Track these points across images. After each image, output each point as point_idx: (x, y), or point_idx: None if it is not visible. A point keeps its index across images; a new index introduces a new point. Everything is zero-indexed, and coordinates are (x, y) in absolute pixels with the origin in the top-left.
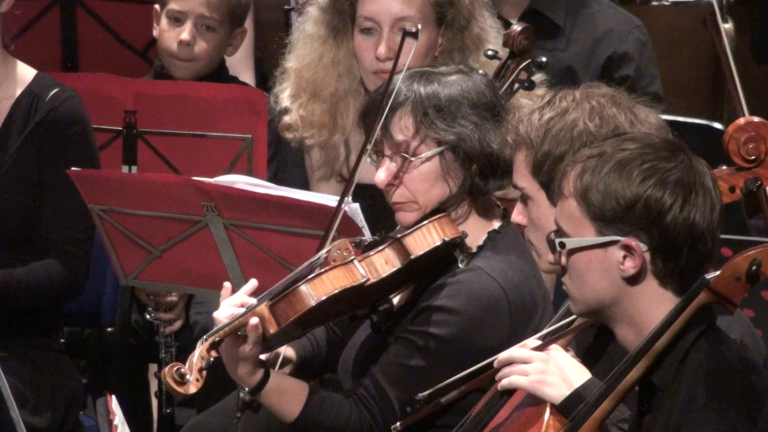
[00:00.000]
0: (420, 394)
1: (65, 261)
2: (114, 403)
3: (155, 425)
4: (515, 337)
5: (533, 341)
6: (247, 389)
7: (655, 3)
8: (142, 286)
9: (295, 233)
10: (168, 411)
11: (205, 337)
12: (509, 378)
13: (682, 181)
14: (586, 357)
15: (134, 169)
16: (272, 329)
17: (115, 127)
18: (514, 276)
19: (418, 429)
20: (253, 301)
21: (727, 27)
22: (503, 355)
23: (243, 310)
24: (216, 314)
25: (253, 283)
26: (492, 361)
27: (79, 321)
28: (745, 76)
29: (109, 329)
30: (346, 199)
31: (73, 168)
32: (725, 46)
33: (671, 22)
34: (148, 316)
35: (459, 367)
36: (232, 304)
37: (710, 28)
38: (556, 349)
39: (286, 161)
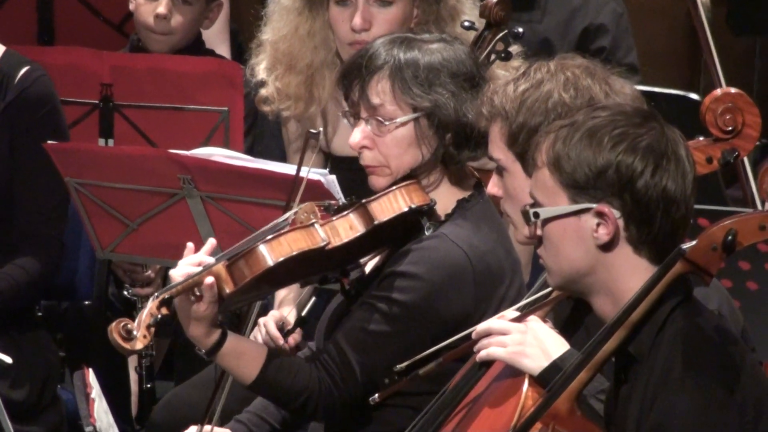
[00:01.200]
0: (398, 366)
1: (40, 247)
2: (91, 376)
3: (134, 398)
4: (480, 304)
5: (511, 312)
6: (203, 351)
7: None
8: (119, 259)
9: (272, 205)
10: (149, 386)
11: (156, 293)
12: (488, 349)
13: (652, 147)
14: (564, 328)
15: (111, 142)
16: (228, 288)
17: (91, 101)
18: (481, 244)
19: (396, 400)
20: (212, 260)
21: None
22: (481, 327)
23: (200, 268)
24: (172, 272)
25: (212, 242)
26: (470, 333)
27: (56, 294)
28: (721, 47)
29: (87, 302)
30: (322, 171)
31: (48, 142)
32: (702, 16)
33: None
34: (125, 293)
35: (422, 333)
36: (190, 263)
37: None
38: (534, 321)
39: (263, 134)
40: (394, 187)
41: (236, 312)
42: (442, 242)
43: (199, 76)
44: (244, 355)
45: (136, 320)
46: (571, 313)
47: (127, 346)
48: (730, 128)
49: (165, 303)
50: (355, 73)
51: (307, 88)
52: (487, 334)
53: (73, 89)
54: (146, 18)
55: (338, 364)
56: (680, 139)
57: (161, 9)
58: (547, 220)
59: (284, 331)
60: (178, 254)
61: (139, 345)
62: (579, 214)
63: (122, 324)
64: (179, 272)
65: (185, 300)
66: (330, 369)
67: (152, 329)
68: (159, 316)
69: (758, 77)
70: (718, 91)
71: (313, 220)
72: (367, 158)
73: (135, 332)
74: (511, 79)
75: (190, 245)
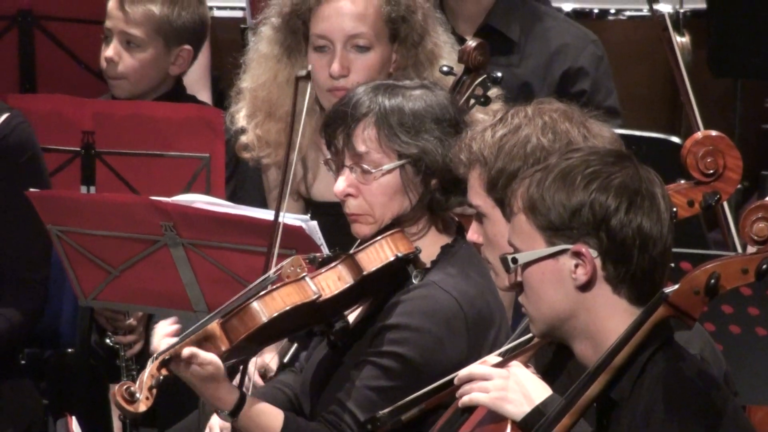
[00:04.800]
0: (380, 412)
1: (22, 295)
2: (74, 424)
3: None
4: (474, 349)
5: (493, 358)
6: (226, 412)
7: (611, 17)
8: (102, 306)
9: (254, 251)
10: None
11: (155, 355)
12: (470, 395)
13: (626, 184)
14: (546, 373)
15: (93, 189)
16: (224, 347)
17: (73, 148)
18: (470, 289)
19: None
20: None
21: (683, 40)
22: (463, 372)
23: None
24: (155, 332)
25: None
26: (452, 378)
27: (39, 342)
28: (702, 89)
29: (70, 350)
30: (303, 216)
31: (30, 190)
32: (679, 59)
33: (627, 36)
34: (108, 341)
35: (425, 383)
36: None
37: (664, 41)
38: (516, 366)
39: (243, 181)
40: (379, 237)
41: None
42: (431, 290)
43: (180, 122)
44: (263, 414)
45: (137, 382)
46: (553, 358)
47: (131, 408)
48: (711, 171)
49: (164, 364)
50: (339, 121)
51: (287, 135)
52: (470, 379)
53: (55, 136)
54: (101, 62)
55: (351, 426)
56: (655, 178)
57: (108, 52)
58: (526, 265)
59: (267, 377)
60: (160, 301)
61: (142, 407)
62: (556, 256)
63: (125, 387)
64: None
65: (185, 365)
66: (342, 429)
67: (154, 391)
68: (160, 377)
69: (739, 120)
70: (698, 134)
71: (303, 274)
72: (352, 206)
73: (138, 394)
74: (489, 125)
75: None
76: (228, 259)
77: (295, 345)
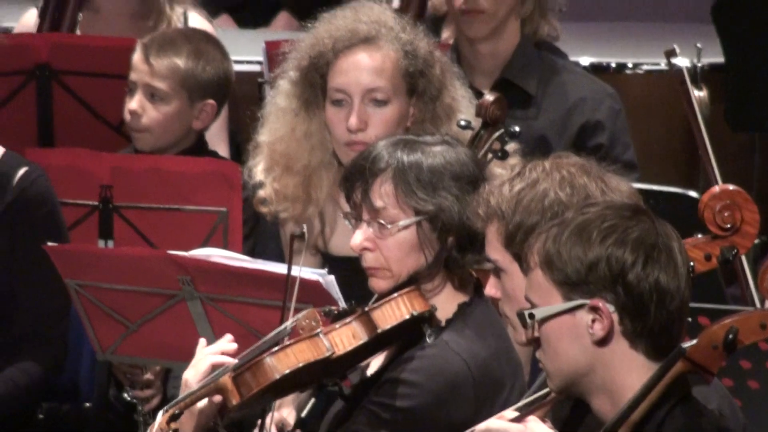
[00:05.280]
0: None
1: (42, 349)
2: None
3: None
4: (481, 412)
5: (510, 413)
6: None
7: (628, 71)
8: (119, 361)
9: (271, 306)
10: None
11: (165, 408)
12: None
13: (642, 239)
14: (564, 429)
15: (110, 243)
16: (234, 400)
17: (90, 202)
18: (481, 350)
19: None
20: (226, 359)
21: (701, 95)
22: (480, 427)
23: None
24: (186, 375)
25: (228, 338)
26: None
27: (58, 396)
28: (720, 143)
29: (87, 405)
30: (321, 271)
31: (48, 244)
32: (697, 113)
33: (645, 89)
34: (125, 395)
35: None
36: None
37: (682, 95)
38: (533, 421)
39: (262, 235)
40: (395, 294)
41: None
42: (442, 350)
43: (197, 176)
44: None
45: None
46: (571, 413)
47: None
48: (729, 225)
49: (174, 418)
50: (357, 175)
51: (305, 189)
52: None
53: (73, 190)
54: (126, 115)
55: None
56: (672, 232)
57: (132, 105)
58: (543, 321)
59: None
60: (178, 355)
61: None
62: (574, 311)
63: None
64: (193, 376)
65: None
66: None
67: None
68: (171, 431)
69: (757, 174)
70: (716, 188)
71: (318, 330)
72: (369, 260)
73: None
74: (507, 179)
75: (202, 341)
76: (245, 313)
77: (313, 400)
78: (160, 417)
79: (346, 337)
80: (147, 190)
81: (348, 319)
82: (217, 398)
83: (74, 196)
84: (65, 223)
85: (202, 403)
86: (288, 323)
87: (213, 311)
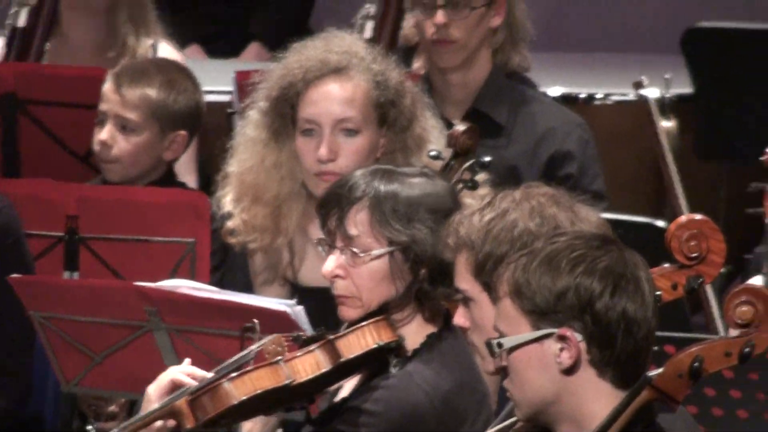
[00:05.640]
0: None
1: (6, 381)
2: None
3: None
4: None
5: None
6: None
7: (597, 102)
8: (84, 392)
9: (238, 337)
10: None
11: (121, 426)
12: None
13: (611, 268)
14: None
15: (76, 275)
16: (189, 424)
17: (56, 233)
18: (445, 383)
19: None
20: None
21: (669, 125)
22: None
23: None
24: (149, 389)
25: (188, 361)
26: None
27: (22, 428)
28: (688, 173)
29: None
30: (289, 302)
31: (12, 275)
32: (663, 143)
33: (614, 120)
34: (89, 427)
35: None
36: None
37: (649, 126)
38: None
39: (231, 266)
40: (363, 324)
41: None
42: (404, 382)
43: (165, 207)
44: None
45: None
46: None
47: None
48: (695, 255)
49: None
50: (333, 202)
51: (274, 220)
52: None
53: (38, 221)
54: (95, 146)
55: None
56: (640, 262)
57: (102, 135)
58: (512, 350)
59: None
60: (143, 387)
61: None
62: (541, 340)
63: None
64: (153, 389)
65: None
66: None
67: None
68: None
69: (724, 204)
70: (683, 218)
71: (279, 358)
72: (340, 288)
73: None
74: (477, 209)
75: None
76: (212, 344)
77: (280, 430)
78: None
79: (309, 365)
80: (114, 221)
81: (312, 347)
82: (171, 422)
83: (40, 227)
84: (31, 254)
85: (159, 423)
86: (253, 347)
87: (179, 342)
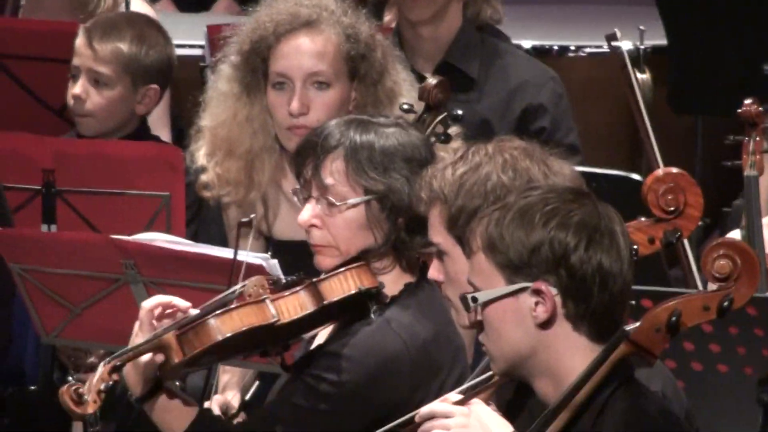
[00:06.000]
0: None
1: None
2: None
3: None
4: (417, 393)
5: (454, 395)
6: (133, 396)
7: (571, 54)
8: (64, 344)
9: (214, 289)
10: None
11: (108, 359)
12: None
13: (585, 222)
14: (508, 411)
15: (54, 227)
16: (177, 358)
17: (33, 186)
18: (422, 331)
19: None
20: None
21: (644, 77)
22: (424, 410)
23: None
24: (144, 303)
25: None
26: (413, 416)
27: (2, 380)
28: (662, 127)
29: (32, 388)
30: (263, 255)
31: None
32: (638, 96)
33: (587, 73)
34: (70, 378)
35: (351, 416)
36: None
37: (623, 78)
38: (477, 404)
39: (205, 219)
40: (343, 268)
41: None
42: (382, 329)
43: (140, 161)
44: (172, 411)
45: (86, 385)
46: (514, 395)
47: (78, 410)
48: (672, 208)
49: (116, 369)
50: (309, 152)
51: (247, 174)
52: (431, 416)
53: (15, 175)
54: (69, 100)
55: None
56: (614, 215)
57: (76, 89)
58: (486, 304)
59: (228, 415)
60: (121, 339)
61: (89, 409)
62: (516, 294)
63: (73, 388)
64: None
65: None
66: None
67: (102, 394)
68: (110, 382)
69: (700, 157)
70: (659, 172)
71: (264, 296)
72: (316, 237)
73: (86, 396)
74: (450, 163)
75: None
76: (188, 296)
77: (257, 383)
78: (101, 368)
79: (293, 306)
80: (90, 174)
81: (296, 288)
82: (159, 357)
83: (16, 181)
84: (9, 207)
85: (146, 357)
86: (236, 287)
87: (156, 295)
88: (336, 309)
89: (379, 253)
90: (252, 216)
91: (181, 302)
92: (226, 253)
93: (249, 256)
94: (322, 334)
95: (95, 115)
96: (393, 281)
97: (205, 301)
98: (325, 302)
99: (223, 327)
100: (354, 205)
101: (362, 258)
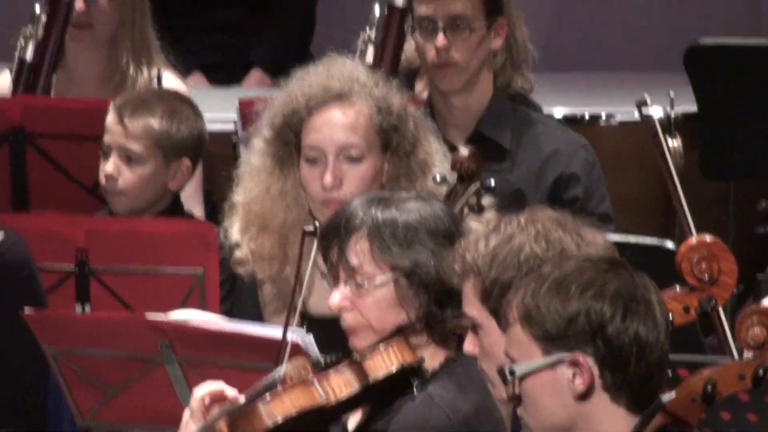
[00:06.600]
0: None
1: (18, 417)
2: None
3: None
4: None
5: None
6: None
7: (602, 123)
8: (99, 427)
9: (250, 368)
10: None
11: None
12: None
13: (621, 292)
14: None
15: (87, 307)
16: None
17: (67, 267)
18: (464, 407)
19: None
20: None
21: (675, 144)
22: None
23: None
24: (195, 391)
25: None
26: None
27: None
28: (694, 193)
29: None
30: (298, 329)
31: (26, 309)
32: (669, 163)
33: (619, 141)
34: None
35: None
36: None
37: (654, 146)
38: None
39: (239, 296)
40: (383, 345)
41: None
42: (426, 404)
43: (173, 237)
44: None
45: None
46: None
47: None
48: (706, 277)
49: None
50: (333, 234)
51: (281, 248)
52: None
53: (49, 255)
54: (101, 179)
55: None
56: (650, 284)
57: (108, 168)
58: (524, 377)
59: None
60: (157, 420)
61: None
62: (554, 366)
63: None
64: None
65: None
66: None
67: None
68: None
69: (732, 223)
70: (693, 240)
71: (311, 376)
72: (348, 320)
73: None
74: (482, 235)
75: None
76: (225, 376)
77: None
78: None
79: (338, 385)
80: (123, 252)
81: (339, 367)
82: None
83: (50, 260)
84: (43, 287)
85: None
86: (277, 371)
87: (192, 375)
88: (380, 386)
89: (413, 328)
90: (316, 222)
91: (230, 390)
92: (262, 330)
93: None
94: (354, 416)
95: (128, 193)
96: (430, 356)
97: (241, 379)
98: (370, 380)
99: (273, 412)
100: (382, 284)
101: (398, 333)
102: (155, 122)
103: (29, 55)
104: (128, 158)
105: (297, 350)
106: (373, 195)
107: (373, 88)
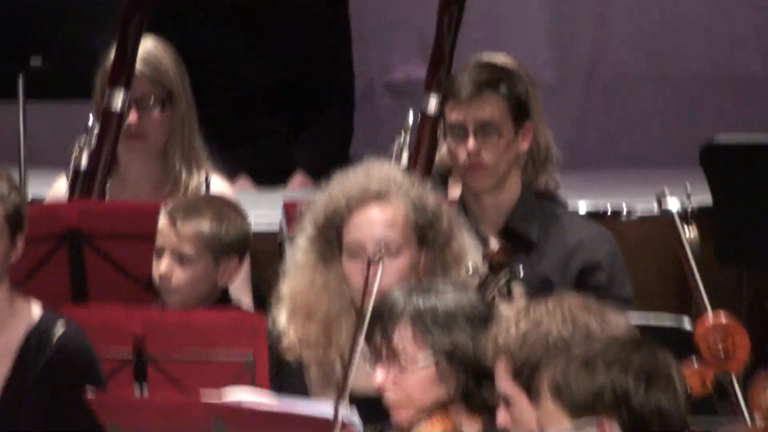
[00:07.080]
0: None
1: None
2: None
3: None
4: None
5: None
6: None
7: (623, 218)
8: None
9: None
10: None
11: None
12: None
13: (644, 368)
14: None
15: (146, 391)
16: None
17: (125, 354)
18: None
19: None
20: None
21: (692, 235)
22: None
23: None
24: None
25: None
26: None
27: None
28: (710, 280)
29: None
30: (346, 408)
31: (89, 392)
32: (687, 253)
33: (640, 234)
34: None
35: None
36: None
37: (673, 237)
38: None
39: (287, 379)
40: (428, 419)
41: None
42: None
43: (224, 326)
44: None
45: None
46: None
47: None
48: (722, 354)
49: None
50: (377, 320)
51: (326, 335)
52: None
53: (108, 345)
54: (155, 278)
55: None
56: (671, 360)
57: (162, 268)
58: None
59: None
60: None
61: None
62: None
63: None
64: None
65: None
66: None
67: None
68: None
69: (746, 307)
70: (710, 321)
71: None
72: (391, 398)
73: None
74: (513, 320)
75: None
76: None
77: None
78: None
79: None
80: (177, 340)
81: None
82: None
83: (109, 350)
84: (103, 373)
85: None
86: None
87: None
88: None
89: (452, 406)
90: (382, 248)
91: None
92: (312, 409)
93: (328, 411)
94: None
95: (180, 291)
96: (466, 425)
97: None
98: None
99: None
100: (424, 366)
101: (438, 408)
102: (205, 226)
103: (84, 163)
104: (180, 259)
105: (346, 427)
106: (414, 285)
107: (409, 188)
